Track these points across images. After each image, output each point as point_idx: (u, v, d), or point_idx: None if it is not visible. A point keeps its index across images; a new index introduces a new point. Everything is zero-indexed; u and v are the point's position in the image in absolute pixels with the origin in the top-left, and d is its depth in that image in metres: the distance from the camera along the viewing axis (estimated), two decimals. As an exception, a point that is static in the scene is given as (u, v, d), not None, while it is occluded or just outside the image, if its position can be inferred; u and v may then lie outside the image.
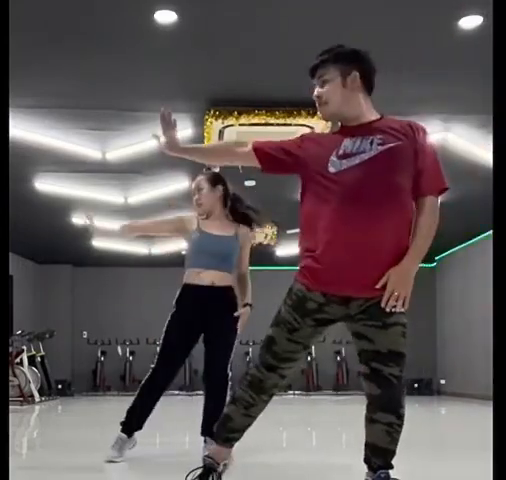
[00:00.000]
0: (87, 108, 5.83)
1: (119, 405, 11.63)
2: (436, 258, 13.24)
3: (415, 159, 2.51)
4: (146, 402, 3.97)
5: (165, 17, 4.35)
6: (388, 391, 2.47)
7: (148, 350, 13.15)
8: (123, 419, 4.00)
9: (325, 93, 2.61)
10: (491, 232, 10.15)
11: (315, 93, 2.64)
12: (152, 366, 3.97)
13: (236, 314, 3.92)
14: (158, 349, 3.95)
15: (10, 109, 5.35)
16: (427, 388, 12.94)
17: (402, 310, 2.49)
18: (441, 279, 13.12)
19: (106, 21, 4.43)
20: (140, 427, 4.03)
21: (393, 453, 2.54)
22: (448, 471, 3.76)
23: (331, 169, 2.50)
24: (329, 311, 2.54)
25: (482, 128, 6.28)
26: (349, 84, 2.58)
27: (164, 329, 3.94)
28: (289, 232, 9.92)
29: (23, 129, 6.12)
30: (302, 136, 2.70)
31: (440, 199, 2.58)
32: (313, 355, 13.10)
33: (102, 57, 4.93)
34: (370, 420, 2.54)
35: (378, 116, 2.62)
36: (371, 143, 2.49)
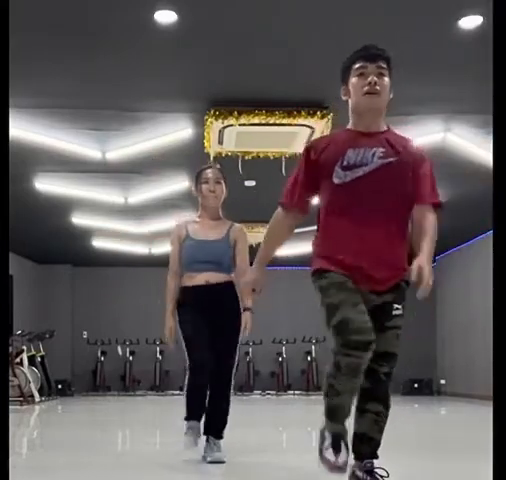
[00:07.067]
0: (87, 108, 5.83)
1: (119, 405, 11.62)
2: (436, 258, 13.24)
3: (413, 174, 2.61)
4: (197, 397, 3.87)
5: (165, 17, 4.35)
6: (378, 385, 2.63)
7: (148, 350, 13.18)
8: (185, 413, 3.89)
9: (382, 84, 2.63)
10: (491, 232, 10.15)
11: (372, 79, 2.60)
12: (187, 365, 3.86)
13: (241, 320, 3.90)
14: (185, 350, 3.86)
15: (10, 109, 5.35)
16: (427, 388, 12.94)
17: (401, 313, 2.65)
18: (441, 279, 13.10)
19: (106, 21, 4.43)
20: (202, 414, 3.91)
21: (379, 443, 2.66)
22: (448, 471, 3.76)
23: (335, 180, 2.61)
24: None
25: (482, 128, 6.28)
26: (391, 91, 2.69)
27: (180, 331, 3.91)
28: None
29: (23, 129, 6.12)
30: (310, 147, 2.72)
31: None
32: (313, 355, 13.11)
33: (102, 57, 4.93)
34: (361, 410, 2.66)
35: (386, 128, 2.71)
36: (373, 155, 2.59)
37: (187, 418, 3.90)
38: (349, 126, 2.74)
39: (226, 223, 4.08)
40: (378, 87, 2.61)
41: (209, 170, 4.09)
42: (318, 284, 2.65)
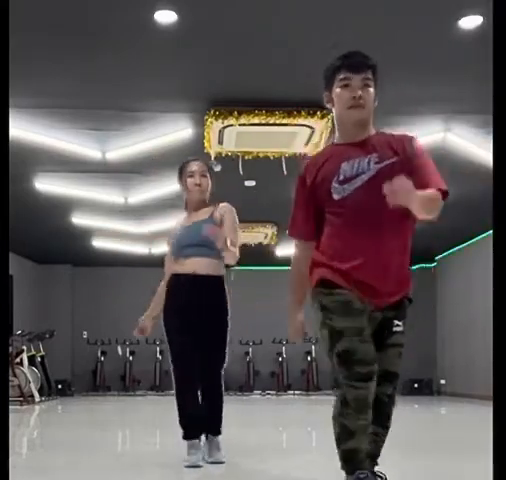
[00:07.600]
0: (87, 108, 5.83)
1: (119, 405, 11.64)
2: (436, 258, 13.23)
3: (414, 168, 2.51)
4: (189, 409, 3.84)
5: (165, 17, 4.35)
6: (378, 408, 2.50)
7: (148, 350, 13.17)
8: (181, 431, 3.85)
9: (367, 96, 2.55)
10: (491, 232, 10.15)
11: (357, 93, 2.53)
12: (171, 369, 3.90)
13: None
14: (169, 355, 3.89)
15: (10, 109, 5.35)
16: (427, 388, 12.94)
17: (402, 329, 2.56)
18: (441, 279, 13.11)
19: (106, 21, 4.43)
20: (200, 431, 3.87)
21: (378, 455, 2.59)
22: (448, 471, 3.76)
23: (335, 196, 2.54)
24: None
25: (482, 128, 6.28)
26: (376, 99, 2.61)
27: (164, 330, 3.93)
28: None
29: (23, 129, 6.12)
30: (303, 173, 2.65)
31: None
32: (313, 355, 13.10)
33: (102, 57, 4.93)
34: None
35: (374, 132, 2.64)
36: (368, 162, 2.53)
37: (185, 437, 3.83)
38: (336, 140, 2.67)
39: (213, 206, 3.97)
40: (362, 101, 2.53)
41: (194, 163, 4.00)
42: (321, 302, 2.55)
